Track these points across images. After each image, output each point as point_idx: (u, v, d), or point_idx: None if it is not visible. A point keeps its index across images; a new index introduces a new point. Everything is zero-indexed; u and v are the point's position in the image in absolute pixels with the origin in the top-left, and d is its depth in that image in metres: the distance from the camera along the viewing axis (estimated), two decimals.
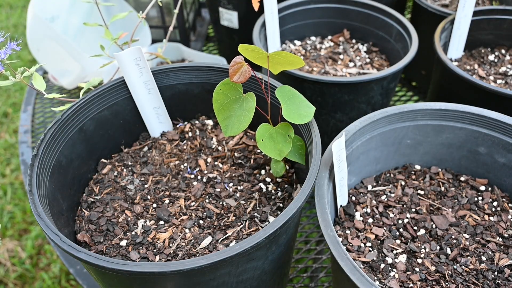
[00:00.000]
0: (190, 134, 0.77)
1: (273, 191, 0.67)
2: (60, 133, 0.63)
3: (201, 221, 0.63)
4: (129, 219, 0.64)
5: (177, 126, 0.79)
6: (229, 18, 1.24)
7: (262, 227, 0.62)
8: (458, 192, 0.71)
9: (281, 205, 0.65)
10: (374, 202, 0.69)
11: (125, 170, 0.72)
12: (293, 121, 0.59)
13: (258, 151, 0.74)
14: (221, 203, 0.65)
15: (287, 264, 0.66)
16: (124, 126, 0.75)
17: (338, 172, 0.60)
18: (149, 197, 0.67)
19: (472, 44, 1.03)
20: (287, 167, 0.69)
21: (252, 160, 0.72)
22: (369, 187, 0.72)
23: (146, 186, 0.69)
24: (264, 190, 0.67)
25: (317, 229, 0.95)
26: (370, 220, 0.66)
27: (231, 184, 0.68)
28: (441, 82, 0.91)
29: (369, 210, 0.67)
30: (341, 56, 1.04)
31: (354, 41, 1.10)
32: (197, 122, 0.80)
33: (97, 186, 0.69)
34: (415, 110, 0.69)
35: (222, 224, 0.62)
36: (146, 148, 0.76)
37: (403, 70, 0.88)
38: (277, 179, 0.69)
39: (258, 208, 0.65)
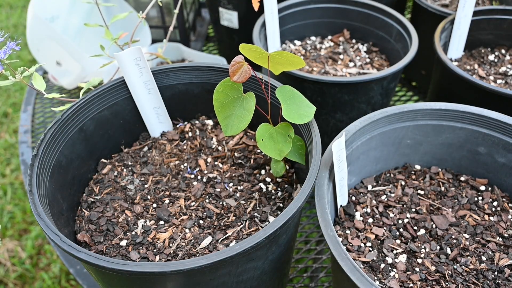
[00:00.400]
0: (190, 134, 0.77)
1: (273, 191, 0.67)
2: (60, 133, 0.63)
3: (201, 221, 0.63)
4: (129, 219, 0.64)
5: (177, 126, 0.79)
6: (229, 18, 1.24)
7: (262, 227, 0.62)
8: (458, 192, 0.71)
9: (281, 205, 0.65)
10: (374, 202, 0.69)
11: (125, 170, 0.72)
12: (293, 121, 0.59)
13: (258, 151, 0.74)
14: (221, 203, 0.65)
15: (287, 264, 0.66)
16: (124, 126, 0.75)
17: (338, 172, 0.60)
18: (149, 197, 0.67)
19: (472, 44, 1.03)
20: (287, 167, 0.69)
21: (252, 160, 0.72)
22: (369, 187, 0.72)
23: (146, 186, 0.69)
24: (264, 190, 0.67)
25: (317, 229, 0.95)
26: (370, 220, 0.66)
27: (231, 184, 0.68)
28: (441, 82, 0.91)
29: (369, 210, 0.67)
30: (341, 56, 1.04)
31: (354, 41, 1.10)
32: (197, 122, 0.80)
33: (97, 186, 0.69)
34: (415, 110, 0.69)
35: (222, 224, 0.62)
36: (146, 148, 0.76)
37: (403, 70, 0.88)
38: (277, 179, 0.69)
39: (258, 208, 0.64)
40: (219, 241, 0.60)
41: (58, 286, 1.38)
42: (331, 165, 0.60)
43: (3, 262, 1.43)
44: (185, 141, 0.76)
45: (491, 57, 1.01)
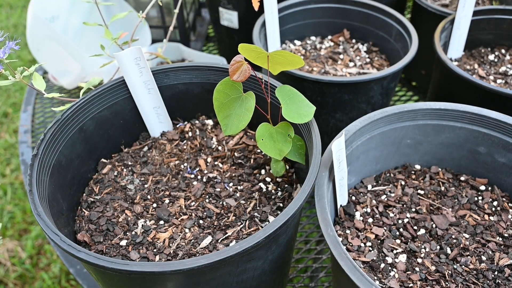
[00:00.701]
0: (190, 134, 0.77)
1: (273, 190, 0.67)
2: (60, 133, 0.63)
3: (201, 221, 0.63)
4: (129, 219, 0.64)
5: (177, 126, 0.79)
6: (229, 18, 1.24)
7: (262, 227, 0.62)
8: (458, 191, 0.71)
9: (281, 204, 0.65)
10: (374, 202, 0.69)
11: (125, 170, 0.72)
12: (293, 120, 0.59)
13: (258, 150, 0.74)
14: (221, 203, 0.65)
15: (287, 264, 0.66)
16: (124, 126, 0.75)
17: (338, 172, 0.60)
18: (149, 197, 0.67)
19: (472, 44, 1.03)
20: (287, 167, 0.69)
21: (252, 160, 0.72)
22: (369, 187, 0.72)
23: (146, 186, 0.69)
24: (264, 189, 0.67)
25: (317, 229, 0.95)
26: (370, 220, 0.66)
27: (231, 184, 0.68)
28: (441, 82, 0.91)
29: (369, 210, 0.67)
30: (341, 56, 1.04)
31: (354, 41, 1.10)
32: (197, 122, 0.80)
33: (97, 186, 0.69)
34: (414, 110, 0.69)
35: (222, 224, 0.62)
36: (146, 148, 0.76)
37: (403, 70, 0.88)
38: (277, 179, 0.69)
39: (258, 208, 0.64)
40: (219, 241, 0.60)
41: (58, 286, 1.38)
42: (331, 164, 0.60)
43: (3, 262, 1.43)
44: (185, 141, 0.76)
45: (491, 57, 1.01)
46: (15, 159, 1.78)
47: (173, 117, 0.79)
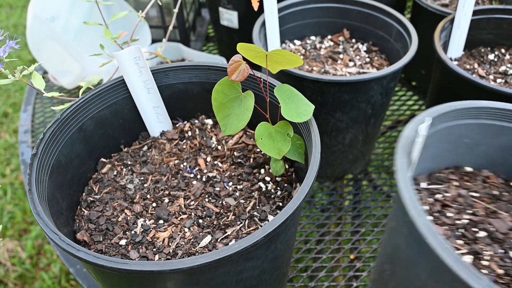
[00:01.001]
0: (189, 133, 0.77)
1: (272, 190, 0.67)
2: (60, 133, 0.63)
3: (200, 220, 0.63)
4: (128, 218, 0.64)
5: (177, 125, 0.79)
6: (229, 18, 1.24)
7: (261, 226, 0.62)
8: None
9: (280, 204, 0.65)
10: (431, 200, 0.66)
11: (124, 169, 0.72)
12: (292, 119, 0.59)
13: (258, 150, 0.74)
14: (220, 202, 0.65)
15: (286, 263, 0.66)
16: (124, 126, 0.75)
17: (415, 161, 0.56)
18: (148, 196, 0.67)
19: (472, 44, 1.03)
20: (287, 166, 0.69)
21: (251, 159, 0.72)
22: (423, 185, 0.69)
23: (145, 185, 0.69)
24: (264, 189, 0.67)
25: (316, 229, 0.95)
26: (431, 218, 0.64)
27: (230, 183, 0.68)
28: (441, 81, 0.91)
29: (427, 208, 0.65)
30: (341, 56, 1.04)
31: (354, 40, 1.10)
32: (196, 121, 0.80)
33: (96, 186, 0.69)
34: (479, 108, 0.65)
35: (221, 223, 0.62)
36: (145, 148, 0.76)
37: (402, 69, 0.88)
38: (277, 178, 0.69)
39: (257, 207, 0.64)
40: (218, 240, 0.60)
41: (58, 286, 1.38)
42: (410, 152, 0.55)
43: (3, 262, 1.43)
44: (184, 141, 0.76)
45: (491, 57, 1.01)
46: (15, 159, 1.78)
47: (172, 117, 0.79)
